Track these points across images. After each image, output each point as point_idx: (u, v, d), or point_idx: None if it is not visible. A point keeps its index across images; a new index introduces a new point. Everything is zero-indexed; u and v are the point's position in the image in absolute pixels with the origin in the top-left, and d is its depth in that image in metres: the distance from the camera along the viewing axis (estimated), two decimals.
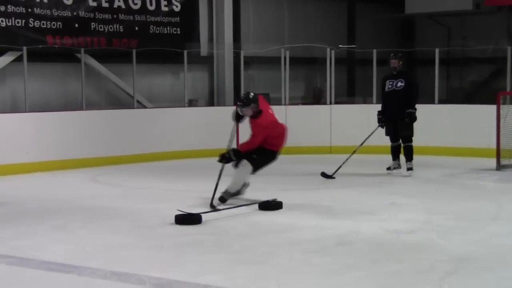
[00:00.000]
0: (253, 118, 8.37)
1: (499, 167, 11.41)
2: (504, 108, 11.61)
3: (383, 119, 10.92)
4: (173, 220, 7.42)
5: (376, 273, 5.61)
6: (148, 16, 14.54)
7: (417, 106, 10.76)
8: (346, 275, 5.57)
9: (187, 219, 7.40)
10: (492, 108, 11.76)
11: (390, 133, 10.96)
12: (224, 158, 8.34)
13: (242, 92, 14.62)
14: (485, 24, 17.95)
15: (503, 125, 11.54)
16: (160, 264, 5.90)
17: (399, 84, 10.80)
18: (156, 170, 12.22)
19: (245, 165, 8.34)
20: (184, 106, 14.38)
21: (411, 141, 10.86)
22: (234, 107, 8.71)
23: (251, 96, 8.41)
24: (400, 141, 10.93)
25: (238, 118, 8.58)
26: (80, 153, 12.36)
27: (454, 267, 5.67)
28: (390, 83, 10.90)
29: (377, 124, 11.00)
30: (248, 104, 8.32)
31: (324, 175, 10.71)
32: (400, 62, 10.86)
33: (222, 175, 8.32)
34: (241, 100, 8.46)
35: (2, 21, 12.51)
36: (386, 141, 11.07)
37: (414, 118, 10.72)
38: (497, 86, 15.17)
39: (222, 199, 8.38)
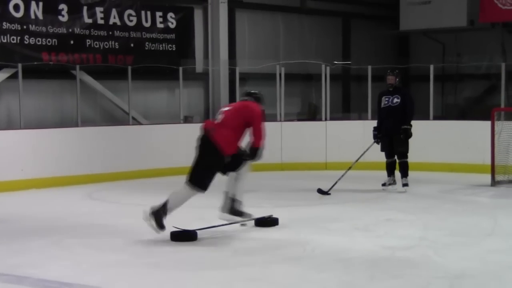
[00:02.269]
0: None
1: (494, 183, 11.43)
2: (498, 124, 11.65)
3: (379, 135, 10.95)
4: (169, 237, 7.41)
5: None
6: (143, 32, 14.57)
7: (412, 122, 10.81)
8: None
9: (183, 235, 7.40)
10: (487, 124, 11.78)
11: (385, 149, 10.98)
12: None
13: None
14: (480, 41, 18.04)
15: (498, 141, 11.57)
16: (156, 281, 5.88)
17: (395, 100, 10.84)
18: (151, 186, 12.20)
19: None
20: (180, 123, 14.38)
21: (406, 157, 10.88)
22: None
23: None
24: (396, 157, 10.96)
25: None
26: (75, 169, 12.34)
27: (450, 283, 5.67)
28: (386, 99, 10.94)
29: (373, 140, 11.03)
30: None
31: (320, 191, 10.70)
32: (397, 79, 10.92)
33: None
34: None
35: None
36: (382, 157, 11.08)
37: (409, 134, 10.75)
38: (492, 102, 15.24)
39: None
